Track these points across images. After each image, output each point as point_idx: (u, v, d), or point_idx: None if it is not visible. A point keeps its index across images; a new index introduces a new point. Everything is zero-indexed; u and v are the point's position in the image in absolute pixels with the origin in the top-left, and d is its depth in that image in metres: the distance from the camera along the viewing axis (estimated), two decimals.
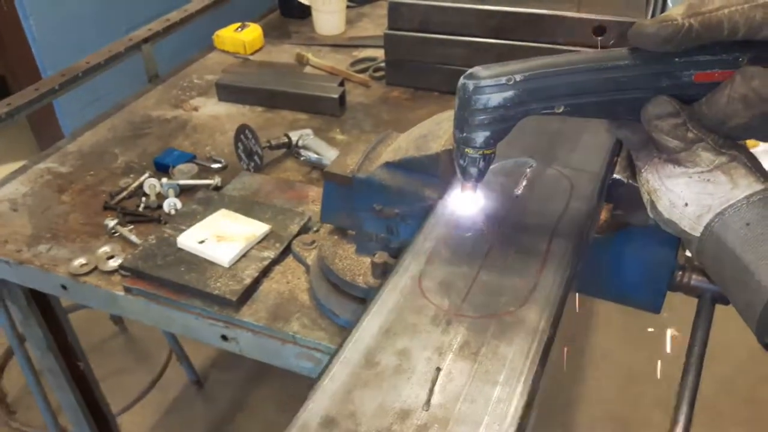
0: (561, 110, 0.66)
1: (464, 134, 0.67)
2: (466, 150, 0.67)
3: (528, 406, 0.56)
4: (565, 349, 1.10)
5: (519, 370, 0.59)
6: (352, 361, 0.62)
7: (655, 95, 0.64)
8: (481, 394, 0.57)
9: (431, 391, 0.58)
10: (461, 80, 0.65)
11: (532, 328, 0.63)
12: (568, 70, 0.64)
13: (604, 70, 0.64)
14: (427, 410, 0.56)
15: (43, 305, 1.48)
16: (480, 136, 0.66)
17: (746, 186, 0.62)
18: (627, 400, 2.53)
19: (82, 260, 1.25)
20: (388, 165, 0.93)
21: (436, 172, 0.89)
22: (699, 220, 0.64)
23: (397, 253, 0.91)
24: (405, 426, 0.55)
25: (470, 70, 0.66)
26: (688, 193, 0.65)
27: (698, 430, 0.93)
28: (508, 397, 0.57)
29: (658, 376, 2.44)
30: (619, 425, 2.46)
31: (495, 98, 0.64)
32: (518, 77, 0.64)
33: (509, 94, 0.64)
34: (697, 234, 0.64)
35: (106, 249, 1.27)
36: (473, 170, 0.69)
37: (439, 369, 0.60)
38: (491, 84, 0.64)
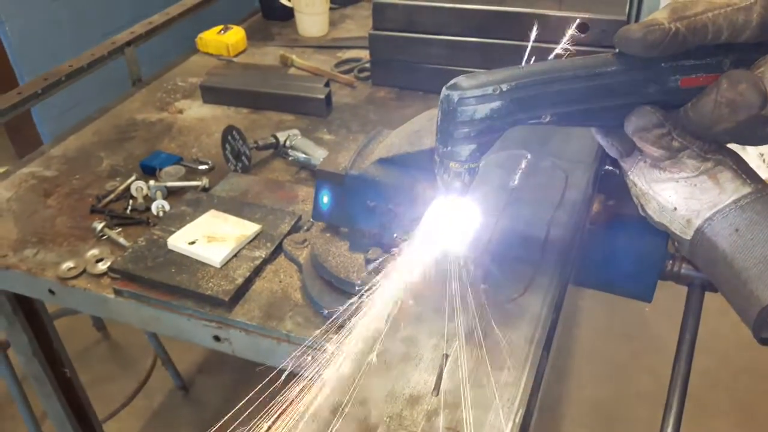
0: (548, 119, 0.63)
1: (448, 148, 0.63)
2: (451, 164, 0.64)
3: (535, 390, 0.57)
4: None
5: (524, 354, 0.60)
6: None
7: (640, 105, 0.63)
8: (488, 379, 0.58)
9: (440, 377, 0.58)
10: (444, 91, 0.61)
11: (535, 314, 0.64)
12: (555, 77, 0.61)
13: (591, 77, 0.62)
14: (436, 395, 0.57)
15: (28, 311, 1.46)
16: (465, 150, 0.63)
17: (733, 190, 0.62)
18: (612, 395, 2.56)
19: (70, 264, 1.24)
20: (382, 161, 0.94)
21: (431, 167, 0.89)
22: (689, 225, 0.63)
23: (390, 249, 0.91)
24: (416, 411, 0.56)
25: (453, 81, 0.62)
26: (676, 198, 0.64)
27: (682, 422, 0.94)
28: (515, 381, 0.57)
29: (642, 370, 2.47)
30: (606, 421, 2.48)
31: (481, 110, 0.60)
32: (504, 87, 0.60)
33: (496, 105, 0.60)
34: (688, 237, 0.64)
35: (94, 252, 1.26)
36: (458, 184, 0.66)
37: (447, 355, 0.60)
38: (477, 95, 0.60)
